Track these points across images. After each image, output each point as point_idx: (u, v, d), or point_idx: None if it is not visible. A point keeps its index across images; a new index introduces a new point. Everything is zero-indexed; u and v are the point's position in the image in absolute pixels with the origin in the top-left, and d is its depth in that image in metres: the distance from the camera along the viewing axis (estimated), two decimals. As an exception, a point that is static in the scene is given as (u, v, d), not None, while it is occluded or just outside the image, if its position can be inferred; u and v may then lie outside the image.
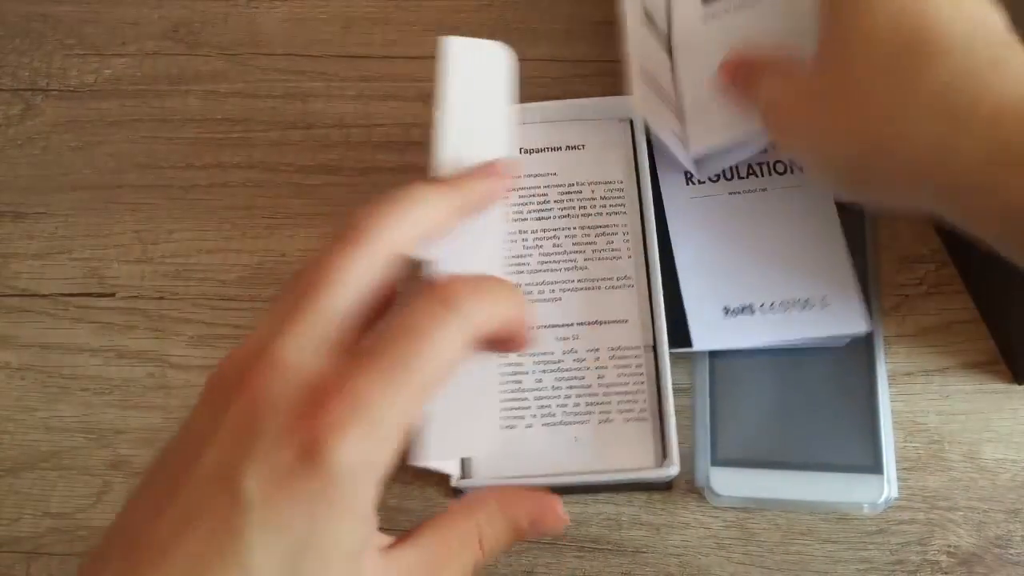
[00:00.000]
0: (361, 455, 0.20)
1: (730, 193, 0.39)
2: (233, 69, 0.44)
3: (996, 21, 0.26)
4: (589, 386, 0.35)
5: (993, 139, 0.24)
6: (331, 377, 0.21)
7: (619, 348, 0.35)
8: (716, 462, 0.35)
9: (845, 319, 0.36)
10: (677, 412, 0.37)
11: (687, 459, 0.36)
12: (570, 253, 0.37)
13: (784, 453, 0.35)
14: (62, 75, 0.45)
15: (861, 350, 0.36)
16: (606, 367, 0.35)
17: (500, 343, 0.24)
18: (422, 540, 0.23)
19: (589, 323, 0.36)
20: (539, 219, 0.37)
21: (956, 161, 0.25)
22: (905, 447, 0.36)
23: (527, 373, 0.35)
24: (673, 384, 0.37)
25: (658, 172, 0.39)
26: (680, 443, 0.36)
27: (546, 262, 0.37)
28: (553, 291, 0.36)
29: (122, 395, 0.38)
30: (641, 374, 0.35)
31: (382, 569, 0.22)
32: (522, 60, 0.45)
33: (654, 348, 0.35)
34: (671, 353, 0.35)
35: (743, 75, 0.34)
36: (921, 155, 0.25)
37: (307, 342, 0.21)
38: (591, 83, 0.43)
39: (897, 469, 0.35)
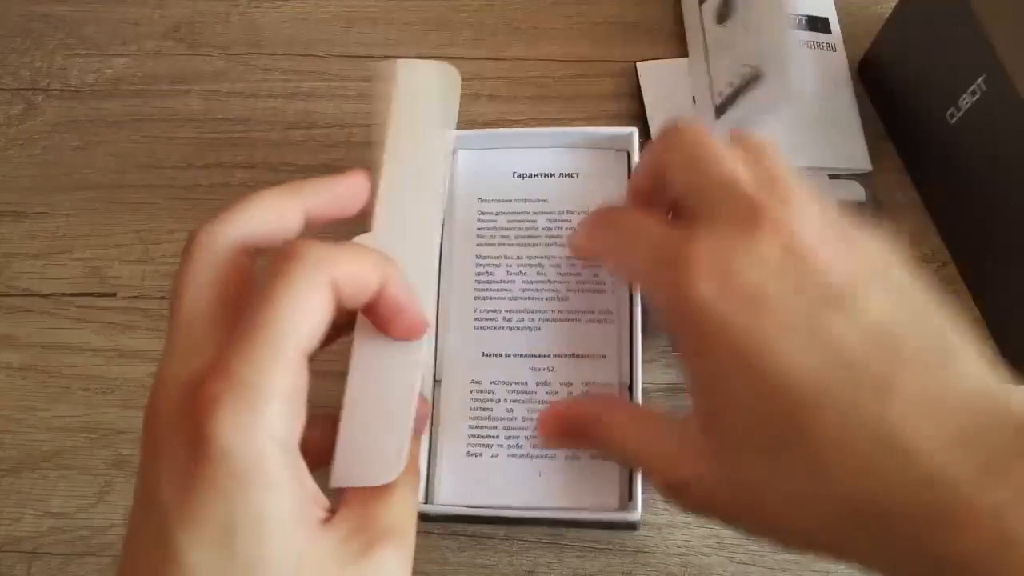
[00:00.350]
0: (243, 424, 0.20)
1: None
2: (234, 69, 0.44)
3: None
4: None
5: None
6: (204, 371, 0.21)
7: (593, 384, 0.34)
8: (717, 462, 0.35)
9: None
10: (678, 411, 0.37)
11: (688, 459, 0.36)
12: (553, 283, 0.36)
13: (785, 453, 0.35)
14: (63, 75, 0.45)
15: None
16: None
17: (383, 318, 0.25)
18: (356, 498, 0.24)
19: (566, 355, 0.35)
20: (525, 245, 0.36)
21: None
22: (906, 447, 0.36)
23: (498, 401, 0.34)
24: (673, 383, 0.37)
25: None
26: (681, 443, 0.36)
27: (528, 289, 0.36)
28: (533, 319, 0.35)
29: (123, 395, 0.38)
30: None
31: (318, 536, 0.22)
32: (522, 60, 0.45)
33: (630, 387, 0.34)
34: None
35: (575, 429, 0.29)
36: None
37: (177, 353, 0.22)
38: (591, 83, 0.43)
39: (898, 469, 0.35)
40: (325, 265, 0.22)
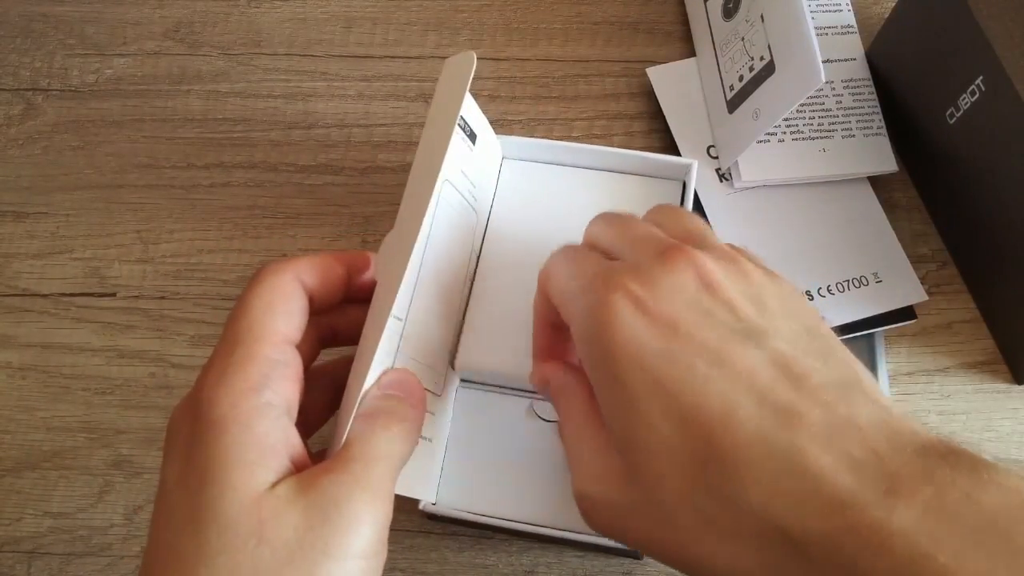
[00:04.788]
0: (224, 380, 0.23)
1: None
2: (234, 69, 0.44)
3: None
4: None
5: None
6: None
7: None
8: (717, 462, 0.35)
9: (902, 291, 0.36)
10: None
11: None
12: None
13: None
14: (63, 75, 0.45)
15: (862, 349, 0.36)
16: None
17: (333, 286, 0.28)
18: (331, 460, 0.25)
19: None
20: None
21: None
22: (906, 447, 0.36)
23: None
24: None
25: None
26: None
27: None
28: None
29: (123, 395, 0.38)
30: None
31: (278, 483, 0.23)
32: (522, 60, 0.45)
33: None
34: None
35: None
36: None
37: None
38: (591, 83, 0.43)
39: (898, 469, 0.35)
40: (287, 267, 0.26)
